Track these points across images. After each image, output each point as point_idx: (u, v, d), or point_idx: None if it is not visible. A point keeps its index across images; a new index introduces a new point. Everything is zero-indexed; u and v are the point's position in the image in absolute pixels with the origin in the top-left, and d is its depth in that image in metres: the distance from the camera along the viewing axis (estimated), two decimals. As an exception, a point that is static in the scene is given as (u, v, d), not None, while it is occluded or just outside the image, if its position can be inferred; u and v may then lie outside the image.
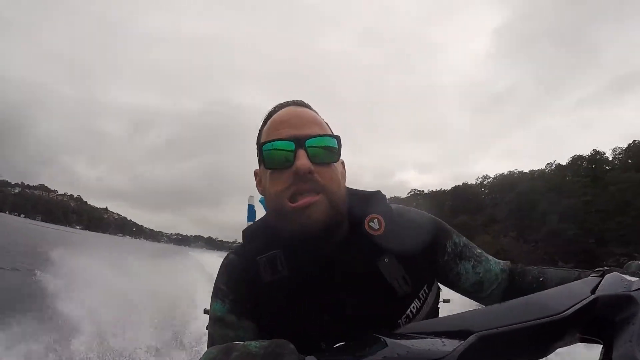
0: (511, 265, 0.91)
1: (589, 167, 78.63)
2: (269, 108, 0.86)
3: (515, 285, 0.87)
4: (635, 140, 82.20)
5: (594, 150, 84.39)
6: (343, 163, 0.85)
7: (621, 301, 0.48)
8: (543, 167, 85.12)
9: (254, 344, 0.44)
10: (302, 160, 0.72)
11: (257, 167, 0.85)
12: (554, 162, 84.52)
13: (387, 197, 0.89)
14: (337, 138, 0.78)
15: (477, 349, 0.41)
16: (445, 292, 0.95)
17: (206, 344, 0.90)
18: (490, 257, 0.92)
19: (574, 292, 0.50)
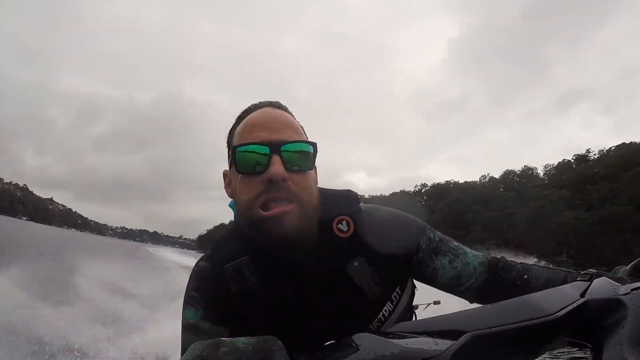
0: (491, 258, 0.88)
1: (520, 181, 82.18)
2: (240, 107, 0.82)
3: (496, 279, 0.84)
4: (564, 159, 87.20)
5: (525, 166, 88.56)
6: (316, 169, 0.80)
7: (611, 305, 0.48)
8: (481, 178, 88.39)
9: (242, 340, 0.43)
10: (277, 167, 0.69)
11: (226, 168, 0.82)
12: (488, 174, 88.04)
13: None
14: (314, 145, 0.75)
15: (470, 348, 0.41)
16: (434, 293, 0.93)
17: None
18: (468, 250, 0.89)
19: (565, 295, 0.50)
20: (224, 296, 0.76)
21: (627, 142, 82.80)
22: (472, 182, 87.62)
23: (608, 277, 0.55)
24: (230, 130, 0.81)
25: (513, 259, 0.89)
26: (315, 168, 0.79)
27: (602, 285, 0.52)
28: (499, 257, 0.89)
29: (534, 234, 60.57)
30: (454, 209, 71.73)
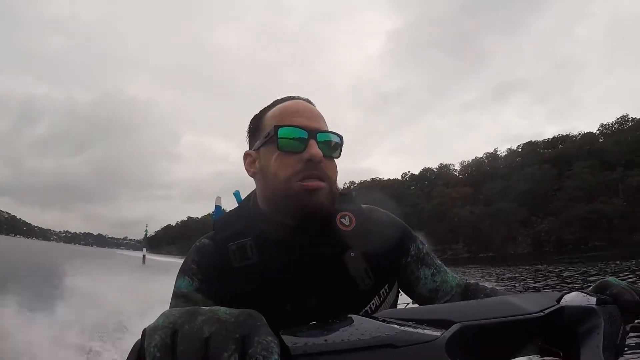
0: (466, 282, 0.95)
1: (432, 178, 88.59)
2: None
3: (467, 299, 0.89)
4: (477, 156, 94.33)
5: (440, 163, 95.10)
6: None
7: (586, 313, 0.51)
8: (402, 175, 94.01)
9: (223, 310, 0.39)
10: (316, 149, 0.77)
11: (248, 150, 0.90)
12: (409, 172, 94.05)
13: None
14: (341, 137, 0.84)
15: (460, 338, 0.42)
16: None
17: None
18: (449, 271, 0.96)
19: (542, 299, 0.52)
20: (224, 272, 0.80)
21: (534, 140, 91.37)
22: (394, 179, 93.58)
23: (579, 291, 0.58)
24: (257, 117, 0.89)
25: (485, 284, 0.96)
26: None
27: (575, 296, 0.55)
28: (472, 282, 0.95)
29: (436, 226, 66.40)
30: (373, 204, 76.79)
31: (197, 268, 0.83)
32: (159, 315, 0.39)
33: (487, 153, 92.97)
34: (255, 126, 0.89)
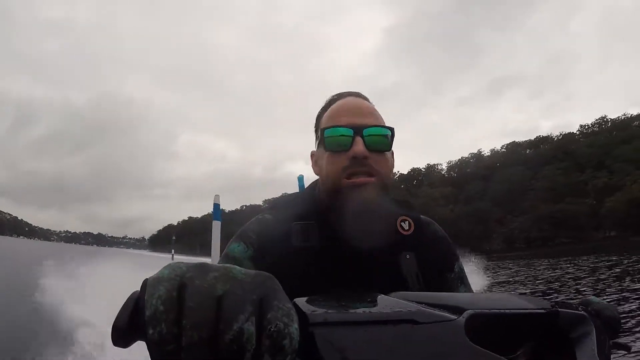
0: None
1: (420, 179, 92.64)
2: (330, 95, 0.94)
3: None
4: (462, 156, 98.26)
5: (427, 164, 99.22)
6: (393, 154, 0.90)
7: (579, 319, 0.53)
8: (405, 172, 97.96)
9: (237, 269, 0.35)
10: (359, 146, 0.78)
11: (314, 149, 0.93)
12: (398, 172, 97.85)
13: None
14: (391, 129, 0.84)
15: (473, 324, 0.43)
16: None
17: None
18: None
19: (541, 302, 0.54)
20: (283, 249, 0.81)
21: (518, 141, 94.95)
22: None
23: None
24: (318, 116, 0.93)
25: None
26: (393, 153, 0.89)
27: (567, 304, 0.56)
28: None
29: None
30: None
31: (256, 238, 0.85)
32: (166, 266, 0.34)
33: (472, 153, 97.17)
34: (317, 126, 0.92)
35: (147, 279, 0.33)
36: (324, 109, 0.92)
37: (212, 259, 2.59)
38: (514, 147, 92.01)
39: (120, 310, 0.32)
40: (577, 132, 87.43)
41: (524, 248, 60.30)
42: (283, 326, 0.32)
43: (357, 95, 0.92)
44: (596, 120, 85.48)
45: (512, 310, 0.48)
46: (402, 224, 0.87)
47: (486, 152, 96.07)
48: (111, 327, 0.32)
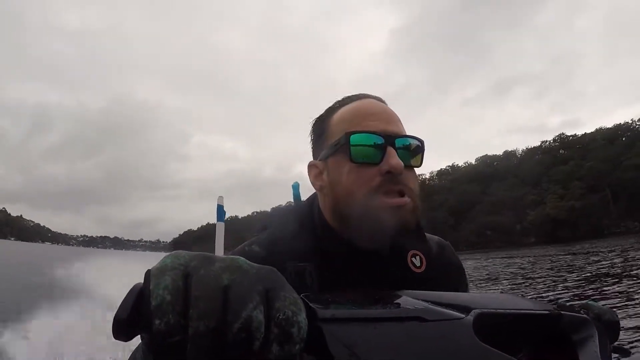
0: None
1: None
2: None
3: None
4: (454, 164, 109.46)
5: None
6: None
7: (582, 323, 0.53)
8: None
9: (243, 261, 0.34)
10: (397, 160, 0.65)
11: (312, 160, 0.77)
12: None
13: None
14: (422, 142, 0.71)
15: (480, 322, 0.43)
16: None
17: None
18: None
19: (544, 304, 0.53)
20: None
21: (490, 154, 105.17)
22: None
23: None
24: (319, 121, 0.78)
25: None
26: None
27: (569, 307, 0.57)
28: None
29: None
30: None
31: None
32: (169, 255, 0.33)
33: (448, 166, 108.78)
34: (320, 131, 0.77)
35: (150, 269, 0.31)
36: (332, 112, 0.76)
37: None
38: (484, 159, 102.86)
39: (122, 303, 0.31)
40: (541, 146, 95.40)
41: (466, 251, 73.10)
42: (291, 314, 0.32)
43: (378, 98, 0.76)
44: (554, 137, 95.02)
45: (517, 311, 0.48)
46: (413, 259, 0.74)
47: (460, 164, 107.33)
48: (112, 320, 0.31)
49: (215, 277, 0.31)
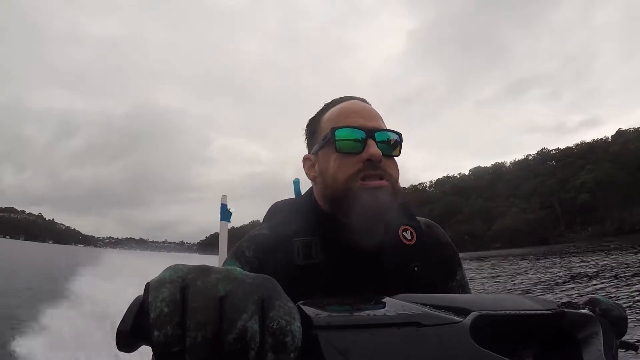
0: None
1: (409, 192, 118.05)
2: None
3: None
4: (448, 175, 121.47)
5: (411, 184, 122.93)
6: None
7: (586, 319, 0.52)
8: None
9: (239, 271, 0.36)
10: (375, 149, 0.75)
11: (307, 154, 0.88)
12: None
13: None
14: (400, 135, 0.81)
15: (479, 325, 0.43)
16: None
17: None
18: None
19: (546, 302, 0.53)
20: (285, 268, 0.77)
21: (482, 165, 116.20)
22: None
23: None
24: (313, 120, 0.89)
25: None
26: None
27: (573, 305, 0.56)
28: None
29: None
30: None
31: (253, 256, 0.80)
32: (167, 268, 0.35)
33: (444, 176, 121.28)
34: (313, 129, 0.88)
35: (149, 282, 0.33)
36: (322, 112, 0.88)
37: (219, 259, 2.73)
38: (477, 171, 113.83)
39: (124, 315, 0.32)
40: (533, 157, 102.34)
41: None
42: (285, 323, 0.33)
43: (362, 99, 0.89)
44: (537, 152, 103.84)
45: (517, 311, 0.48)
46: (404, 233, 0.84)
47: (455, 174, 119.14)
48: (115, 331, 0.32)
49: (212, 288, 0.32)
